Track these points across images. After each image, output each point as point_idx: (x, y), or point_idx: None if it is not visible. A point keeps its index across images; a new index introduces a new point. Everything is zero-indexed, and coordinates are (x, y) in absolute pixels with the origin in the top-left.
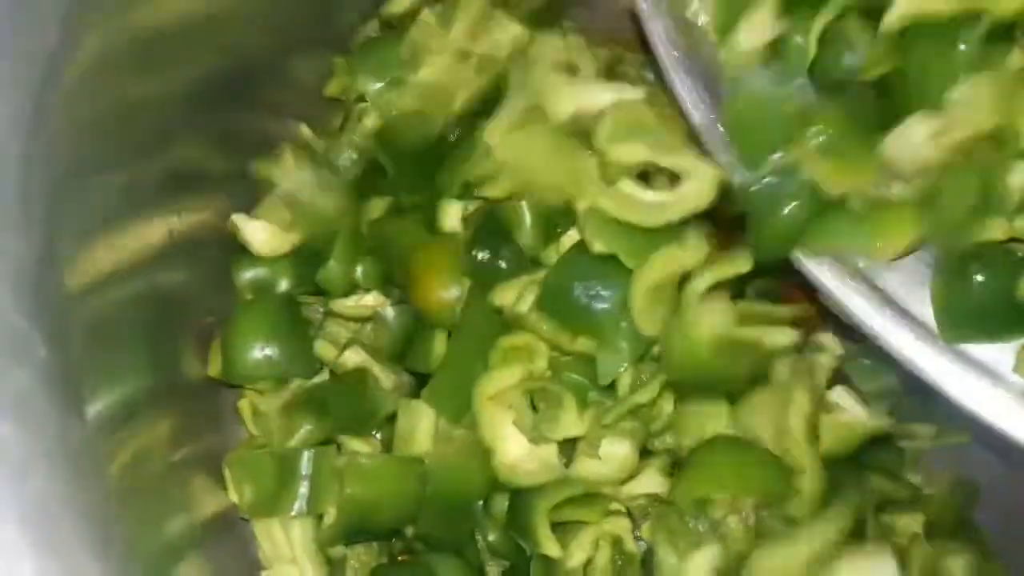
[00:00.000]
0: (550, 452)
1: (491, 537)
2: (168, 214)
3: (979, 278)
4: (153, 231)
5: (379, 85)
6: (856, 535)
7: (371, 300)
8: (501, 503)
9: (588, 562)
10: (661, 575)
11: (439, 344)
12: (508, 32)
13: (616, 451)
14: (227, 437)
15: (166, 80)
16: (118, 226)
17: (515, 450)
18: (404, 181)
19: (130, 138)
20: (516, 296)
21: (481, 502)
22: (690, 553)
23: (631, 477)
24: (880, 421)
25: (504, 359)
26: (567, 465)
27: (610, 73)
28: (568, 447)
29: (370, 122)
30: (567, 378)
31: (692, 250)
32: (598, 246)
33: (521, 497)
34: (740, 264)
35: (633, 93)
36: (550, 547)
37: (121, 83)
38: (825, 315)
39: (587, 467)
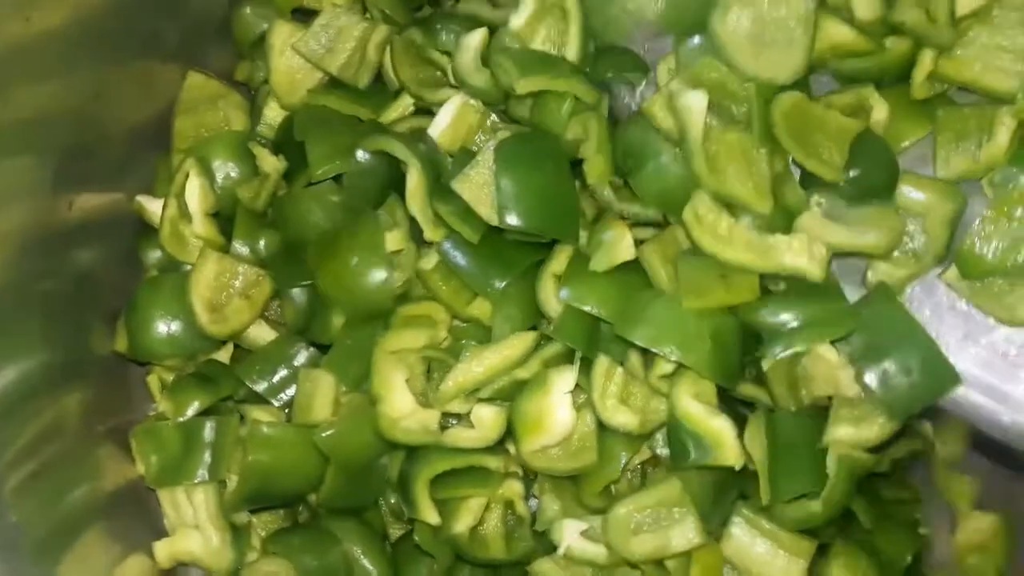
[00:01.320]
0: (431, 417)
1: (392, 500)
2: (69, 192)
3: None
4: (54, 209)
5: None
6: None
7: None
8: (395, 465)
9: (478, 525)
10: (542, 517)
11: (339, 315)
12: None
13: (484, 415)
14: (138, 411)
15: (76, 67)
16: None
17: (401, 406)
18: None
19: (35, 115)
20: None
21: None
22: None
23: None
24: None
25: (405, 325)
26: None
27: None
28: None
29: (274, 103)
30: (466, 346)
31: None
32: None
33: (406, 466)
34: None
35: None
36: (428, 514)
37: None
38: None
39: (459, 432)
